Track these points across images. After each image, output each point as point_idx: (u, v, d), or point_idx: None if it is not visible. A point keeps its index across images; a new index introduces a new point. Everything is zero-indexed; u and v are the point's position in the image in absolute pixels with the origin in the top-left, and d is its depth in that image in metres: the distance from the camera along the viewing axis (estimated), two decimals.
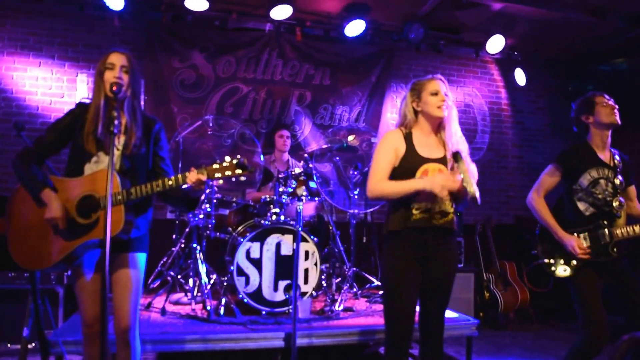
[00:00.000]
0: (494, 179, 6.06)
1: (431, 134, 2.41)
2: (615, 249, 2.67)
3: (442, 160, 2.35)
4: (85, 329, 2.22)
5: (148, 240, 2.38)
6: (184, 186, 2.16)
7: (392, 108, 5.79)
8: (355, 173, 4.07)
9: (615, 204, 2.73)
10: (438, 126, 2.42)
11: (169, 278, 3.98)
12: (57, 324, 3.84)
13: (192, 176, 2.09)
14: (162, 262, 4.15)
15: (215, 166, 2.09)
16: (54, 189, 2.15)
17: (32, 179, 2.15)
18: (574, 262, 2.72)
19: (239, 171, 2.08)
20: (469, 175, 2.22)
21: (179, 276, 3.90)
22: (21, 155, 2.20)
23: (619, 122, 2.77)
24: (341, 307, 3.57)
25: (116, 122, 1.99)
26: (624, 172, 2.81)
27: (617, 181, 2.77)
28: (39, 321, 2.90)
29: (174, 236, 4.30)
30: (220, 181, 2.12)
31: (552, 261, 2.80)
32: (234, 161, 2.08)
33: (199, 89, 5.14)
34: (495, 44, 5.46)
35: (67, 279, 3.99)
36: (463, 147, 2.38)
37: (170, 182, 2.11)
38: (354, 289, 4.05)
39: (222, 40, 5.19)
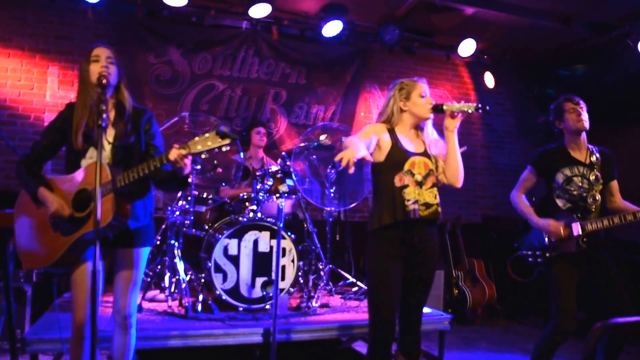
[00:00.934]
0: (463, 179, 6.22)
1: (410, 131, 2.54)
2: (584, 240, 2.82)
3: (425, 154, 2.48)
4: (75, 330, 2.21)
5: (153, 231, 2.42)
6: (170, 167, 2.15)
7: (366, 107, 5.89)
8: (333, 171, 4.14)
9: (589, 199, 2.89)
10: (417, 126, 2.55)
11: (143, 275, 3.95)
12: (24, 323, 3.76)
13: (173, 153, 2.06)
14: None
15: (196, 139, 2.03)
16: (48, 187, 2.21)
17: (27, 180, 2.23)
18: (548, 254, 2.90)
19: (220, 141, 2.01)
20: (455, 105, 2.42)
21: (152, 273, 3.88)
22: (21, 162, 2.28)
23: (586, 127, 2.93)
24: (318, 304, 3.63)
25: (104, 115, 2.00)
26: (603, 167, 2.96)
27: (592, 177, 2.92)
28: (10, 320, 2.86)
29: None
30: (204, 155, 2.05)
31: (529, 252, 2.99)
32: (214, 131, 2.03)
33: (174, 86, 5.11)
34: (467, 47, 5.62)
35: (37, 277, 3.91)
36: (440, 146, 2.53)
37: (155, 163, 2.10)
38: (329, 286, 4.12)
39: (199, 37, 5.17)
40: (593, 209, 2.89)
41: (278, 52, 5.43)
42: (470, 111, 2.41)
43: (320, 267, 4.07)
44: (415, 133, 2.55)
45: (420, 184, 2.40)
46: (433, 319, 3.45)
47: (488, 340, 4.67)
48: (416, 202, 2.38)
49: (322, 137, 4.48)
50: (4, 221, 2.62)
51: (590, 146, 3.03)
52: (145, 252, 2.37)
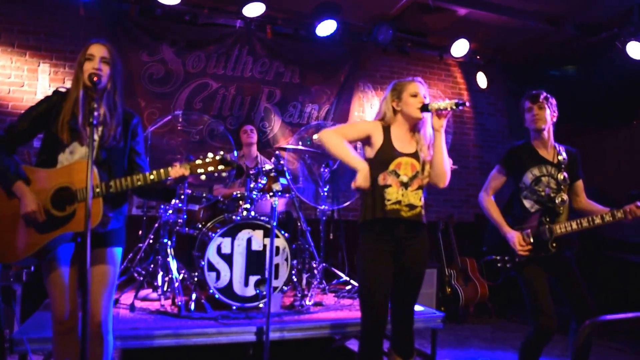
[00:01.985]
0: (455, 178, 6.21)
1: (407, 131, 2.52)
2: (554, 245, 2.79)
3: (415, 155, 2.46)
4: (56, 326, 2.15)
5: (124, 234, 2.35)
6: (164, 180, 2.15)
7: (360, 107, 5.91)
8: (326, 170, 4.14)
9: (557, 200, 2.83)
10: (414, 126, 2.53)
11: (135, 274, 3.93)
12: (13, 323, 3.73)
13: (175, 171, 2.10)
14: (128, 258, 4.09)
15: (199, 162, 2.10)
16: (26, 181, 2.10)
17: (4, 170, 2.08)
18: (517, 259, 2.84)
19: (221, 167, 2.09)
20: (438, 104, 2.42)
21: (145, 272, 3.86)
22: None
23: (541, 126, 2.89)
24: (311, 302, 3.63)
25: (95, 113, 1.97)
26: (569, 167, 2.90)
27: (560, 177, 2.87)
28: None
29: (140, 232, 4.24)
30: (203, 177, 2.11)
31: (498, 257, 2.94)
32: (217, 157, 2.10)
33: (167, 84, 5.08)
34: (460, 47, 5.66)
35: (27, 276, 3.87)
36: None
37: (152, 177, 2.11)
38: (323, 284, 4.12)
39: (192, 35, 5.15)
40: (561, 211, 2.84)
41: (272, 51, 5.42)
42: (450, 108, 2.39)
43: (314, 265, 4.07)
44: (411, 134, 2.53)
45: (405, 185, 2.40)
46: (425, 317, 3.47)
47: (480, 338, 4.69)
48: (398, 202, 2.38)
49: (315, 137, 4.48)
50: None
51: (556, 144, 2.97)
52: (118, 252, 2.29)
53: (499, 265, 2.93)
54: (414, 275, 2.48)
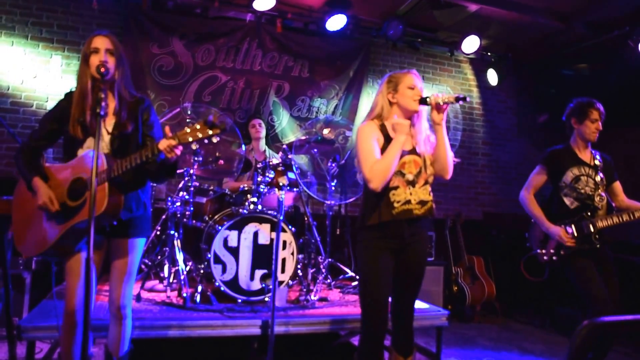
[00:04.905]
0: (464, 175, 6.23)
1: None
2: (597, 237, 2.98)
3: (414, 151, 2.42)
4: (66, 317, 2.21)
5: (148, 223, 2.40)
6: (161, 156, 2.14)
7: (368, 102, 5.87)
8: (334, 165, 4.13)
9: (596, 197, 3.05)
10: (409, 120, 2.46)
11: (142, 265, 3.96)
12: (22, 311, 3.77)
13: (163, 143, 2.07)
14: None
15: (187, 130, 2.05)
16: (43, 177, 2.22)
17: (24, 169, 2.23)
18: (562, 251, 3.02)
19: (210, 131, 2.02)
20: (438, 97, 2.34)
21: (152, 263, 3.88)
22: (19, 150, 2.29)
23: (595, 139, 3.11)
24: (316, 297, 3.63)
25: (103, 103, 1.99)
26: (605, 170, 3.13)
27: (597, 178, 3.09)
28: (8, 307, 2.86)
29: None
30: (194, 145, 2.06)
31: (544, 251, 3.11)
32: (202, 120, 2.04)
33: (177, 76, 5.10)
34: (471, 44, 5.60)
35: (36, 265, 3.92)
36: (432, 142, 2.46)
37: (146, 153, 2.09)
38: (328, 280, 4.12)
39: (202, 29, 5.16)
40: (600, 207, 3.04)
41: (281, 45, 5.42)
42: (450, 102, 2.33)
43: (320, 260, 4.07)
44: (410, 129, 2.47)
45: (412, 183, 2.36)
46: (431, 315, 3.45)
47: (486, 337, 4.67)
48: (407, 202, 2.34)
49: (326, 131, 4.48)
50: (2, 208, 2.61)
51: (592, 150, 3.18)
52: (140, 243, 2.36)
53: (545, 258, 3.09)
54: (415, 272, 2.45)
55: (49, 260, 3.81)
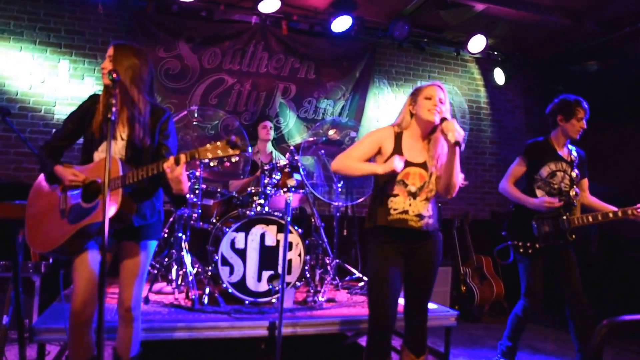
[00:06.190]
0: (472, 175, 6.20)
1: (419, 139, 2.48)
2: (573, 235, 3.14)
3: (423, 165, 2.43)
4: (72, 318, 2.21)
5: (159, 227, 2.44)
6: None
7: (375, 103, 5.88)
8: None
9: (572, 193, 3.18)
10: (427, 133, 2.47)
11: (150, 268, 3.98)
12: (32, 313, 3.80)
13: (167, 162, 2.10)
14: None
15: (208, 146, 2.08)
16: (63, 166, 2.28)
17: (44, 161, 2.30)
18: (537, 245, 3.19)
19: (230, 151, 2.06)
20: (453, 128, 2.31)
21: (160, 265, 3.90)
22: (41, 147, 2.37)
23: (578, 139, 3.23)
24: (324, 298, 3.63)
25: (114, 109, 2.00)
26: (579, 166, 3.26)
27: (573, 174, 3.22)
28: (19, 309, 2.89)
29: None
30: (212, 163, 2.09)
31: (520, 243, 3.26)
32: (226, 140, 2.08)
33: (184, 80, 5.12)
34: (477, 43, 5.57)
35: (45, 268, 3.95)
36: (439, 163, 2.45)
37: (163, 164, 2.11)
38: (336, 281, 4.12)
39: (208, 31, 5.18)
40: (575, 203, 3.18)
41: (287, 47, 5.43)
42: (450, 140, 2.30)
43: (327, 261, 4.07)
44: (423, 142, 2.49)
45: (413, 195, 2.39)
46: (439, 315, 3.44)
47: (494, 337, 4.63)
48: (405, 212, 2.38)
49: (331, 132, 4.48)
50: (14, 212, 2.64)
51: (570, 145, 3.30)
52: (151, 245, 2.40)
53: (520, 250, 3.24)
54: (426, 275, 2.47)
55: (58, 265, 3.84)
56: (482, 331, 4.84)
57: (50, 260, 3.88)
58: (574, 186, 3.18)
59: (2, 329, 2.95)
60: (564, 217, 3.13)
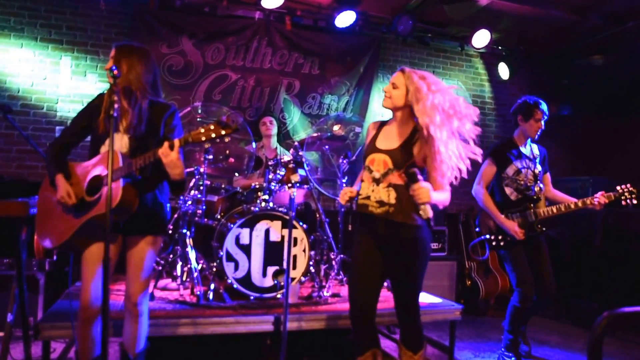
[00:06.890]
0: (476, 169, 6.15)
1: (396, 125, 2.45)
2: (540, 226, 3.39)
3: (389, 152, 2.37)
4: (81, 312, 2.24)
5: (164, 221, 2.46)
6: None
7: (379, 98, 5.85)
8: (345, 161, 4.12)
9: (536, 189, 3.42)
10: (401, 119, 2.43)
11: (154, 264, 3.97)
12: (37, 311, 3.80)
13: (164, 148, 2.14)
14: None
15: (200, 129, 2.12)
16: (66, 175, 2.32)
17: (50, 165, 2.35)
18: (508, 238, 3.39)
19: (222, 131, 2.09)
20: (421, 194, 2.17)
21: (164, 262, 3.89)
22: (50, 145, 2.40)
23: (536, 138, 3.47)
24: (329, 293, 3.63)
25: (116, 105, 2.04)
26: (542, 162, 3.51)
27: (536, 170, 3.45)
28: (23, 307, 2.88)
29: None
30: (207, 144, 2.16)
31: (492, 237, 3.47)
32: (216, 121, 2.12)
33: (187, 76, 5.11)
34: (481, 38, 5.55)
35: (49, 266, 3.94)
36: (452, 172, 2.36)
37: (159, 151, 2.16)
38: (340, 276, 4.11)
39: (212, 27, 5.16)
40: (540, 197, 3.44)
41: (291, 43, 5.40)
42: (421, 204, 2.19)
43: (332, 256, 4.06)
44: (402, 129, 2.42)
45: (377, 181, 2.37)
46: (444, 309, 3.44)
47: (500, 330, 4.58)
48: (367, 197, 2.39)
49: (336, 128, 4.47)
50: (17, 210, 2.64)
51: (532, 143, 3.52)
52: (156, 240, 2.42)
53: (493, 244, 3.47)
54: (405, 273, 2.40)
55: (64, 256, 3.84)
56: (488, 325, 4.82)
57: (55, 258, 3.88)
58: (537, 181, 3.42)
59: (6, 327, 2.95)
60: (531, 210, 3.39)
